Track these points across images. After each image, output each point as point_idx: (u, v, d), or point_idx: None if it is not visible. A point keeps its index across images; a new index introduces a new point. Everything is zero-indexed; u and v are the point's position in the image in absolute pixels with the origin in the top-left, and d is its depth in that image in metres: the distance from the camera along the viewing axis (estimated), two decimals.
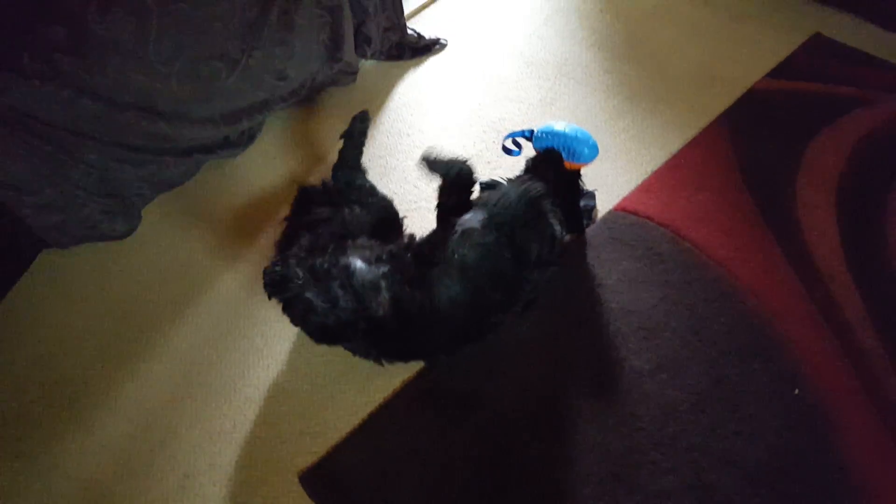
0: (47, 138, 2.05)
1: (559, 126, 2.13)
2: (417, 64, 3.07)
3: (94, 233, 2.32)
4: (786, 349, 2.02)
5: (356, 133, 2.34)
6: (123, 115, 2.15)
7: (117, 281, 2.31)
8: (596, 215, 2.35)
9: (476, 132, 2.72)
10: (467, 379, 2.00)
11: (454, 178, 2.09)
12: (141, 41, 2.06)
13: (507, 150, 2.28)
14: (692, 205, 2.38)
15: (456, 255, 1.85)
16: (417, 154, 2.47)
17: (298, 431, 1.93)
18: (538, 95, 2.85)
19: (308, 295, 1.80)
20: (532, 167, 2.19)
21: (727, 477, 1.79)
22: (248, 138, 2.64)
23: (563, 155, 2.13)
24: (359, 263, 1.86)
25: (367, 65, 3.02)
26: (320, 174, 2.25)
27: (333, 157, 2.34)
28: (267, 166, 2.63)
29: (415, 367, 2.02)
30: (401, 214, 2.27)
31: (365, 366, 1.96)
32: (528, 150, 2.25)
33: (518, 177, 2.17)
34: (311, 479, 1.84)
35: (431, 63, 3.07)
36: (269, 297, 1.85)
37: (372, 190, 2.28)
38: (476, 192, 2.15)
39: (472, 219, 1.91)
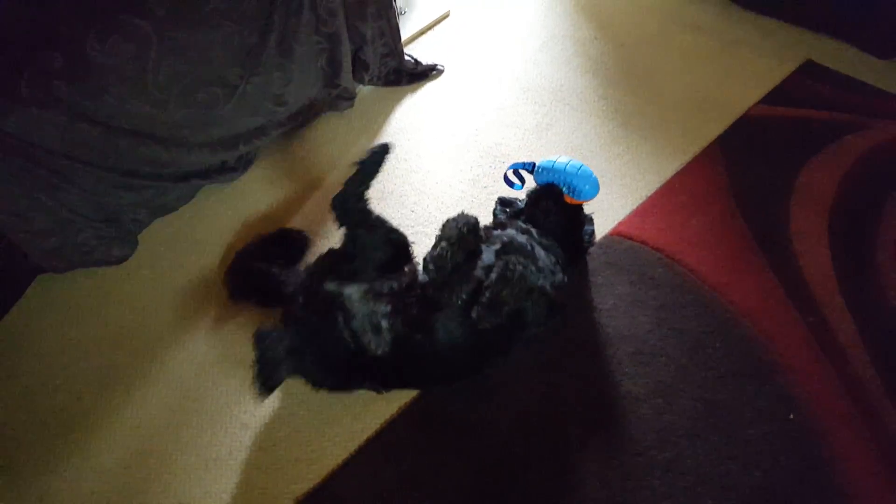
0: (44, 164, 2.05)
1: (561, 161, 2.13)
2: (415, 90, 3.09)
3: (91, 258, 2.32)
4: (780, 374, 2.02)
5: (369, 162, 2.12)
6: (121, 140, 2.17)
7: (113, 306, 2.31)
8: (594, 239, 2.36)
9: (473, 157, 2.73)
10: (464, 405, 2.00)
11: (462, 239, 1.92)
12: (139, 68, 2.07)
13: (508, 182, 2.27)
14: (687, 230, 2.40)
15: (459, 301, 1.84)
16: (415, 178, 2.49)
17: (294, 458, 1.92)
18: (534, 121, 2.87)
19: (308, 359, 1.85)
20: (532, 201, 2.19)
21: (723, 502, 1.78)
22: (246, 163, 2.65)
23: (565, 190, 2.13)
24: (355, 303, 1.86)
25: (365, 90, 3.04)
26: (317, 199, 2.25)
27: (331, 181, 2.34)
28: (264, 191, 2.64)
29: (411, 393, 2.02)
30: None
31: (361, 392, 1.96)
32: (530, 182, 2.25)
33: (515, 218, 2.19)
34: None
35: (428, 89, 3.10)
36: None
37: (375, 220, 2.14)
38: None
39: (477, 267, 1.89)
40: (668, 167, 2.63)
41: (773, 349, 2.08)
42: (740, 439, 1.90)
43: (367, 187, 2.11)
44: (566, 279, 2.01)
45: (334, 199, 2.08)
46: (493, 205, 2.42)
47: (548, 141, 2.78)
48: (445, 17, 3.49)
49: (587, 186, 2.10)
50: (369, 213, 2.10)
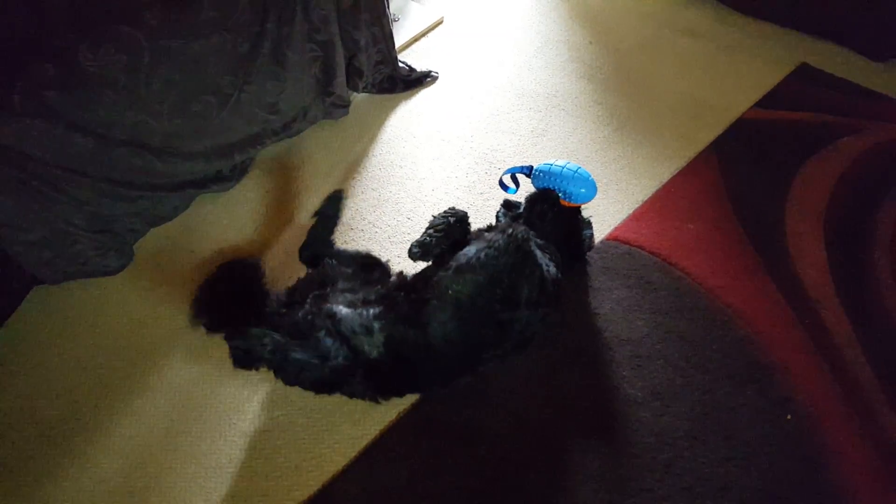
0: (38, 175, 2.05)
1: (558, 164, 2.14)
2: (409, 96, 3.09)
3: (86, 269, 2.32)
4: (778, 375, 2.03)
5: (329, 213, 2.24)
6: (115, 151, 2.17)
7: (109, 316, 2.30)
8: (593, 242, 2.36)
9: (468, 163, 2.73)
10: (463, 411, 2.00)
11: (445, 232, 2.04)
12: (132, 77, 2.07)
13: (503, 186, 2.28)
14: (683, 233, 2.40)
15: (450, 291, 1.85)
16: (410, 185, 2.49)
17: (294, 465, 1.92)
18: (529, 126, 2.88)
19: (296, 355, 1.80)
20: (529, 205, 2.20)
21: (722, 503, 1.79)
22: (241, 172, 2.65)
23: (561, 195, 2.14)
24: (343, 310, 1.87)
25: (359, 98, 3.05)
26: (312, 208, 2.24)
27: (326, 190, 2.34)
28: (259, 200, 2.64)
29: (410, 399, 2.02)
30: (376, 249, 2.27)
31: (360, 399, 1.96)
32: (525, 187, 2.25)
33: (508, 221, 2.19)
34: None
35: (423, 95, 3.10)
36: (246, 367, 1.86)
37: (343, 251, 2.23)
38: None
39: (464, 256, 1.91)
40: (664, 171, 2.64)
41: (770, 351, 2.08)
42: (738, 440, 1.90)
43: (331, 233, 2.22)
44: (560, 275, 2.02)
45: (301, 249, 2.20)
46: (489, 210, 2.43)
47: (543, 146, 2.78)
48: (439, 23, 3.49)
49: (584, 189, 2.10)
50: (339, 252, 2.21)
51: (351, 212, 2.56)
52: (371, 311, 1.87)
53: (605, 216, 2.48)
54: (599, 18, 3.47)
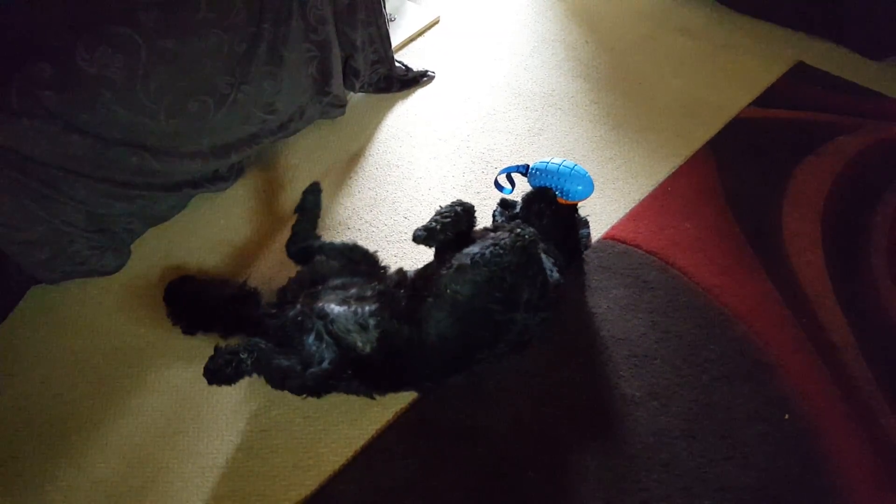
0: (35, 175, 2.04)
1: (554, 162, 2.14)
2: (406, 96, 3.09)
3: (84, 269, 2.32)
4: (775, 374, 2.03)
5: (309, 206, 2.28)
6: (112, 150, 2.16)
7: (107, 316, 2.30)
8: (590, 241, 2.37)
9: (465, 163, 2.73)
10: (460, 411, 2.00)
11: (453, 220, 2.03)
12: (129, 77, 2.07)
13: (499, 187, 2.28)
14: (680, 233, 2.40)
15: (449, 290, 1.84)
16: (407, 185, 2.49)
17: (292, 465, 1.92)
18: (526, 126, 2.88)
19: (277, 362, 1.80)
20: (526, 205, 2.20)
21: (720, 502, 1.79)
22: (238, 172, 2.65)
23: (558, 193, 2.14)
24: (336, 309, 1.88)
25: (356, 98, 3.05)
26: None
27: (324, 188, 2.35)
28: (256, 200, 2.64)
29: (407, 398, 2.02)
30: (373, 248, 2.24)
31: (357, 398, 1.95)
32: (521, 186, 2.25)
33: (512, 220, 2.18)
34: None
35: (420, 95, 3.10)
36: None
37: (329, 245, 2.22)
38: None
39: (468, 254, 1.91)
40: (661, 170, 2.64)
41: (767, 350, 2.08)
42: (736, 440, 1.90)
43: (315, 226, 2.26)
44: (562, 280, 2.02)
45: (287, 245, 2.24)
46: (486, 210, 2.43)
47: (539, 146, 2.79)
48: (435, 23, 3.49)
49: (581, 186, 2.11)
50: (325, 246, 2.20)
51: (348, 211, 2.56)
52: (367, 308, 1.88)
53: (601, 215, 2.49)
54: (596, 17, 3.47)
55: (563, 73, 3.14)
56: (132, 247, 2.46)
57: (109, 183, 2.22)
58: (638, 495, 1.81)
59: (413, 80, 3.12)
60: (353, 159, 2.77)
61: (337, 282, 2.03)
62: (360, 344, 1.83)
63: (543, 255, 1.97)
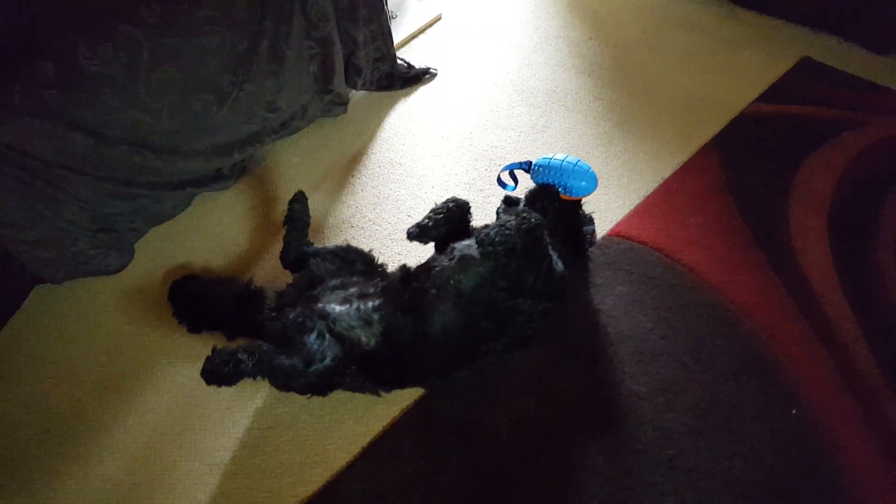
0: (39, 174, 2.04)
1: (557, 158, 2.12)
2: (408, 94, 3.09)
3: (88, 268, 2.31)
4: (782, 370, 2.02)
5: (297, 215, 2.24)
6: (115, 149, 2.16)
7: (111, 315, 2.30)
8: (595, 238, 2.36)
9: (468, 160, 2.73)
10: (466, 408, 1.99)
11: (445, 216, 2.06)
12: (132, 76, 2.07)
13: (502, 184, 2.26)
14: (685, 229, 2.40)
15: (452, 282, 1.84)
16: (410, 183, 2.49)
17: (298, 462, 1.92)
18: (529, 122, 2.87)
19: (279, 362, 1.79)
20: (529, 201, 2.19)
21: (727, 497, 1.78)
22: (241, 171, 2.65)
23: (561, 189, 2.13)
24: (337, 308, 1.88)
25: (358, 95, 3.04)
26: (312, 207, 2.24)
27: (327, 186, 2.35)
28: (259, 198, 2.63)
29: (413, 395, 2.02)
30: (377, 246, 2.25)
31: (363, 396, 1.95)
32: (524, 183, 2.24)
33: (517, 208, 2.17)
34: None
35: (422, 92, 3.09)
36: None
37: (323, 249, 2.21)
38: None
39: (470, 245, 1.91)
40: (666, 167, 2.63)
41: (773, 346, 2.08)
42: (743, 435, 1.90)
43: (305, 234, 2.23)
44: (566, 271, 2.01)
45: (281, 256, 2.21)
46: (489, 207, 2.43)
47: (543, 143, 2.78)
48: (437, 20, 3.49)
49: (584, 182, 2.09)
50: (319, 251, 2.18)
51: (351, 209, 2.56)
52: (371, 303, 1.88)
53: (606, 212, 2.48)
54: (599, 14, 3.47)
55: (566, 69, 3.14)
56: (136, 246, 2.46)
57: (112, 182, 2.22)
58: (644, 491, 1.80)
59: (415, 77, 3.12)
60: (355, 157, 2.77)
61: (335, 282, 2.03)
62: (364, 339, 1.83)
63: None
